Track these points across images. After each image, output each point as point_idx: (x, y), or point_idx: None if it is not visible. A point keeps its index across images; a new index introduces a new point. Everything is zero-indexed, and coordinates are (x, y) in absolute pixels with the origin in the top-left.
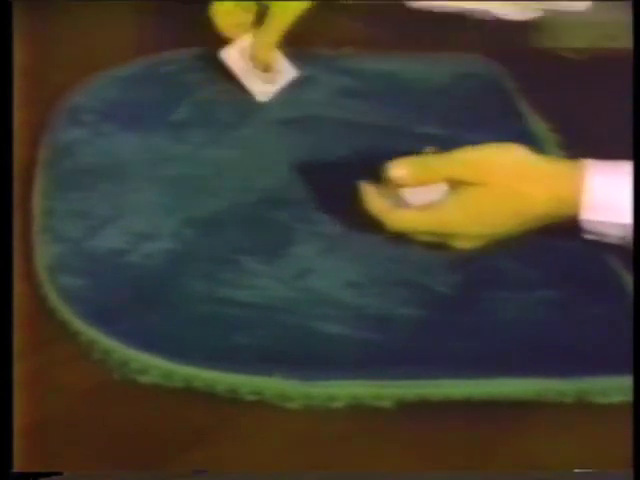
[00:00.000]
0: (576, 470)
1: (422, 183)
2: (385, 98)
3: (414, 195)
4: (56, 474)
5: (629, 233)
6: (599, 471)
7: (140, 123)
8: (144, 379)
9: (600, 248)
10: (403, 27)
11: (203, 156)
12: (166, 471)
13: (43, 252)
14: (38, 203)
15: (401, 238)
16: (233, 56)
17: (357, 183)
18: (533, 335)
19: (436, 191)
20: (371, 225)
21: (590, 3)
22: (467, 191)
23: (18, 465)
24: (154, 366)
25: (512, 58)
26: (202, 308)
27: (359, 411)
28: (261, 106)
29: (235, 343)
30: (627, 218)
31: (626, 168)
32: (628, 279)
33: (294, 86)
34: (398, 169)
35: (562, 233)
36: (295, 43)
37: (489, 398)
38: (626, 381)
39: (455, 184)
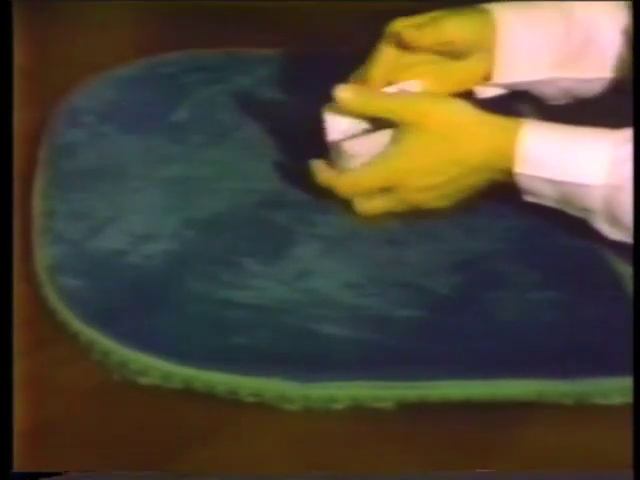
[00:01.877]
0: (576, 471)
1: (363, 111)
2: None
3: (356, 145)
4: (56, 474)
5: (563, 193)
6: (599, 472)
7: (140, 124)
8: (144, 380)
9: (600, 248)
10: None
11: (203, 157)
12: (166, 472)
13: (43, 253)
14: (38, 204)
15: (370, 218)
16: None
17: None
18: (533, 336)
19: (376, 141)
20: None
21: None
22: (407, 139)
23: (18, 465)
24: (154, 367)
25: None
26: (202, 309)
27: (359, 412)
28: (260, 107)
29: (235, 344)
30: (560, 176)
31: (564, 129)
32: (628, 280)
33: (294, 87)
34: (345, 91)
35: (562, 233)
36: (295, 44)
37: (489, 399)
38: (626, 382)
39: (395, 132)
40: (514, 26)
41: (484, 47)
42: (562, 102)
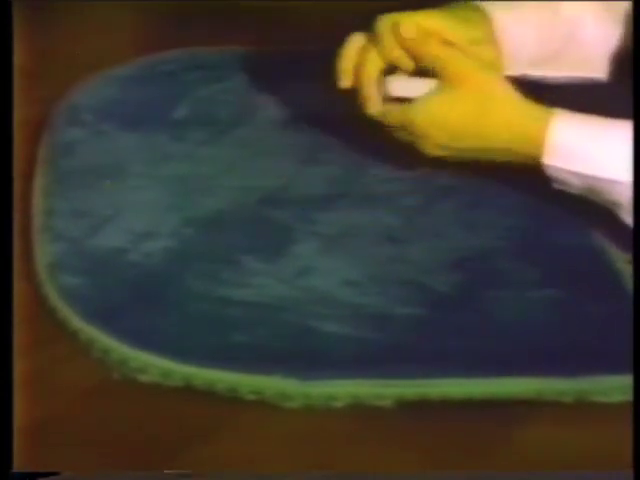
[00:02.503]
0: (576, 470)
1: (414, 50)
2: None
3: (397, 86)
4: (54, 474)
5: (591, 186)
6: (599, 471)
7: (139, 122)
8: (144, 378)
9: (600, 247)
10: None
11: (202, 155)
12: (166, 470)
13: (43, 251)
14: (38, 202)
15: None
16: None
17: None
18: (533, 334)
19: (416, 88)
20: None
21: None
22: (439, 97)
23: (18, 465)
24: (154, 365)
25: None
26: (202, 307)
27: (359, 410)
28: (260, 105)
29: (235, 342)
30: (588, 169)
31: (595, 121)
32: (628, 279)
33: (294, 85)
34: (407, 28)
35: (562, 232)
36: (295, 42)
37: (489, 397)
38: (626, 380)
39: (437, 83)
40: (507, 22)
41: (481, 42)
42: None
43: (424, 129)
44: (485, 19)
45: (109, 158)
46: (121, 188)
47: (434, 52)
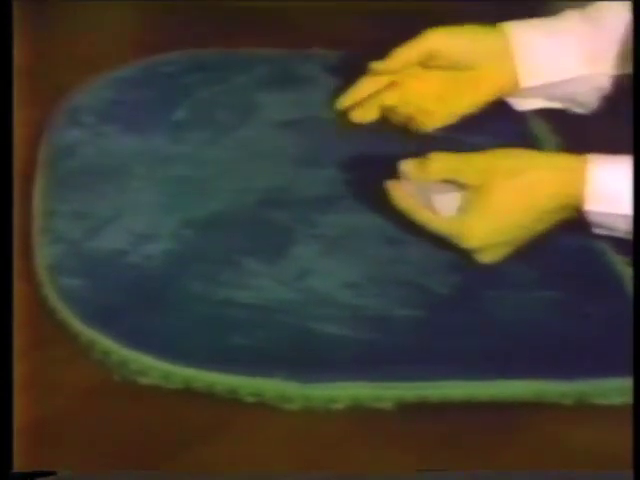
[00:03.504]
0: (576, 471)
1: (428, 179)
2: None
3: (442, 201)
4: (52, 474)
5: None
6: (599, 472)
7: (140, 124)
8: (144, 380)
9: (600, 248)
10: (403, 28)
11: (203, 157)
12: (166, 472)
13: (43, 252)
14: (38, 204)
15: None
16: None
17: (385, 183)
18: (533, 336)
19: (456, 199)
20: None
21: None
22: (477, 201)
23: (18, 465)
24: (154, 367)
25: None
26: (202, 309)
27: (359, 412)
28: (260, 107)
29: (235, 344)
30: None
31: (627, 162)
32: (628, 280)
33: (293, 87)
34: (407, 165)
35: (562, 233)
36: (296, 43)
37: (489, 399)
38: (626, 383)
39: (466, 193)
40: (527, 33)
41: (497, 56)
42: (595, 105)
43: (481, 240)
44: (495, 33)
45: (109, 160)
46: (121, 190)
47: (448, 170)
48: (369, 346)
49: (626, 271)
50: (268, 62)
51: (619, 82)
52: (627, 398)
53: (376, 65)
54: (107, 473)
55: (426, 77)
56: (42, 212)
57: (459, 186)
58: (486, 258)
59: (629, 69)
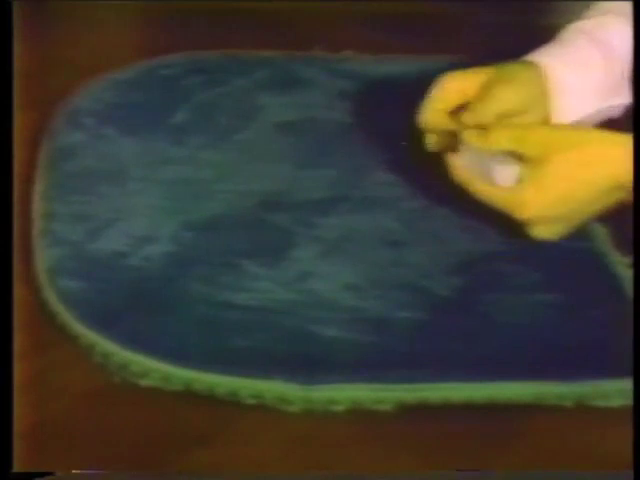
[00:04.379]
0: (576, 471)
1: (490, 147)
2: (385, 101)
3: (501, 172)
4: (50, 474)
5: None
6: (599, 472)
7: (140, 126)
8: (144, 382)
9: (600, 249)
10: (403, 29)
11: (202, 159)
12: (166, 474)
13: (43, 255)
14: (38, 206)
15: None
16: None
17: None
18: (533, 338)
19: (515, 171)
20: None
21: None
22: (535, 173)
23: (18, 466)
24: (154, 369)
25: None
26: (202, 311)
27: (359, 414)
28: (260, 109)
29: (235, 346)
30: None
31: None
32: (628, 281)
33: (294, 89)
34: (469, 135)
35: (562, 236)
36: (296, 46)
37: (489, 401)
38: (626, 384)
39: (524, 165)
40: (563, 75)
41: (540, 101)
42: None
43: (537, 211)
44: (539, 76)
45: (109, 162)
46: (121, 192)
47: (507, 140)
48: (369, 348)
49: (626, 273)
50: (268, 64)
51: (626, 109)
52: (627, 400)
53: (466, 118)
54: (107, 475)
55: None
56: (42, 214)
57: (518, 158)
58: (539, 233)
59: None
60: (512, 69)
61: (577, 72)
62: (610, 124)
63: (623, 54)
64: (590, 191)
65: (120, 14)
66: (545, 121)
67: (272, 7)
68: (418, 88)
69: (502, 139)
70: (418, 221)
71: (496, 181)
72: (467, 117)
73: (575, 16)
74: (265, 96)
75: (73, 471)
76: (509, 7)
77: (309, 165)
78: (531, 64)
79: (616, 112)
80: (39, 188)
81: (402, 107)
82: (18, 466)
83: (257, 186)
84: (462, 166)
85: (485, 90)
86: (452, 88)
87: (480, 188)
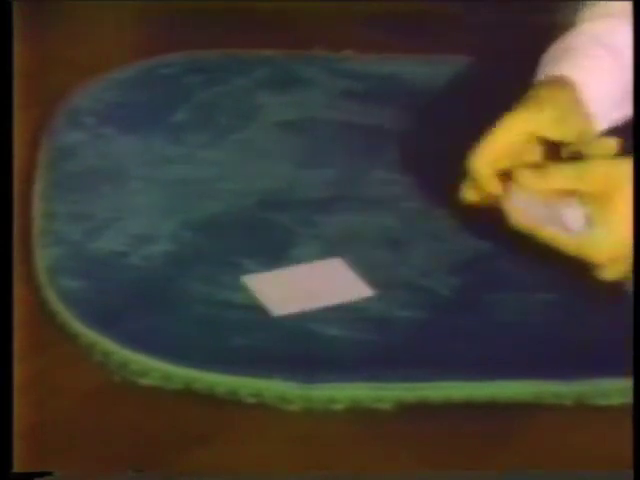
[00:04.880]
0: (576, 471)
1: (547, 189)
2: (385, 100)
3: (570, 216)
4: (49, 474)
5: None
6: (599, 472)
7: (140, 125)
8: (144, 381)
9: None
10: (403, 29)
11: (202, 158)
12: (166, 473)
13: (43, 254)
14: (38, 205)
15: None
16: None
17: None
18: (533, 337)
19: (579, 220)
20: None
21: None
22: (607, 209)
23: (18, 466)
24: (154, 368)
25: (510, 59)
26: (202, 310)
27: (359, 413)
28: (260, 109)
29: (235, 345)
30: None
31: None
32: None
33: (294, 88)
34: (524, 176)
35: None
36: (296, 45)
37: (489, 400)
38: (626, 383)
39: (591, 205)
40: (590, 85)
41: (573, 115)
42: None
43: (608, 254)
44: (569, 89)
45: (109, 161)
46: (121, 191)
47: (565, 178)
48: (369, 347)
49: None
50: (268, 64)
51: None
52: (626, 399)
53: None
54: (107, 474)
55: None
56: (42, 214)
57: (579, 196)
58: (612, 274)
59: None
60: (549, 100)
61: (602, 83)
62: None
63: (631, 62)
64: None
65: (120, 14)
66: (580, 134)
67: (272, 7)
68: (418, 87)
69: (560, 178)
70: (418, 220)
71: (565, 225)
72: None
73: (575, 15)
74: (265, 95)
75: (73, 471)
76: (509, 7)
77: (309, 164)
78: (563, 83)
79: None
80: (39, 187)
81: (402, 106)
82: (18, 466)
83: (257, 185)
84: (521, 210)
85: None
86: (516, 130)
87: (548, 234)
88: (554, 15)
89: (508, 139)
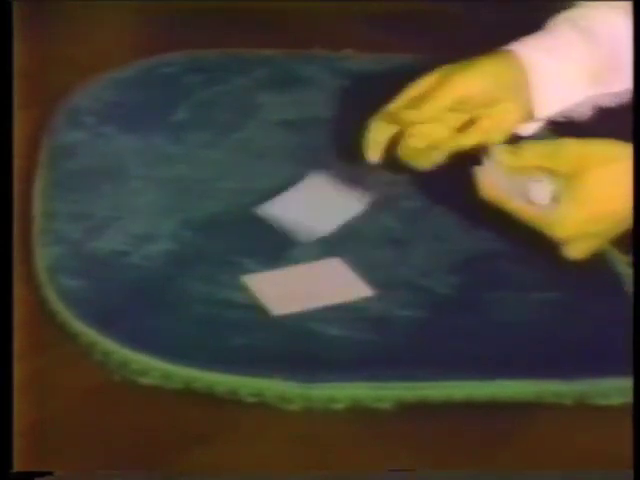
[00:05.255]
0: (576, 471)
1: (521, 167)
2: (385, 100)
3: (537, 190)
4: (49, 474)
5: None
6: (599, 472)
7: (139, 125)
8: (144, 380)
9: (599, 250)
10: (402, 28)
11: (202, 157)
12: (166, 472)
13: (43, 254)
14: (38, 204)
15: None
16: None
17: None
18: (533, 337)
19: (549, 188)
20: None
21: None
22: (576, 187)
23: (18, 465)
24: (154, 367)
25: None
26: (202, 309)
27: (359, 413)
28: (260, 108)
29: (235, 345)
30: None
31: None
32: (628, 280)
33: (294, 87)
34: (500, 153)
35: None
36: (296, 44)
37: (489, 399)
38: (626, 382)
39: (558, 182)
40: (541, 62)
41: (518, 91)
42: (588, 115)
43: (574, 229)
44: (514, 65)
45: (109, 160)
46: (121, 191)
47: (540, 159)
48: (369, 347)
49: (626, 271)
50: (268, 63)
51: (619, 98)
52: (626, 398)
53: (409, 116)
54: (107, 473)
55: (446, 118)
56: (42, 213)
57: (549, 174)
58: (575, 251)
59: (628, 84)
60: (480, 60)
61: (556, 58)
62: (605, 115)
63: (608, 40)
64: (625, 207)
65: (120, 13)
66: (527, 110)
67: (272, 6)
68: None
69: (533, 155)
70: (418, 220)
71: (531, 199)
72: (423, 108)
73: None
74: (265, 94)
75: (73, 471)
76: (509, 7)
77: (309, 163)
78: (505, 53)
79: (609, 101)
80: (39, 187)
81: None
82: (18, 465)
83: (257, 184)
84: (493, 183)
85: (443, 80)
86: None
87: (515, 206)
88: (554, 15)
89: (426, 84)
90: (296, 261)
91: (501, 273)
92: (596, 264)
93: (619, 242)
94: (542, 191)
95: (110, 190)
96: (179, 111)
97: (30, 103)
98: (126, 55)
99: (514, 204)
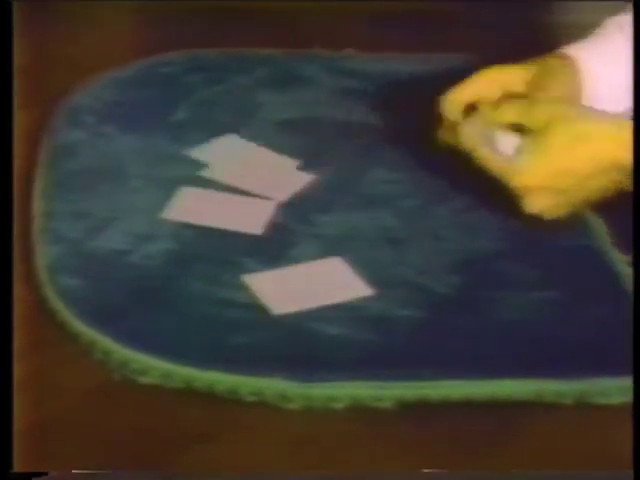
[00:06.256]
0: (576, 471)
1: (497, 121)
2: (385, 99)
3: (503, 140)
4: (47, 474)
5: None
6: (599, 472)
7: (139, 124)
8: (144, 380)
9: (600, 248)
10: (403, 28)
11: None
12: (166, 472)
13: (43, 253)
14: (38, 204)
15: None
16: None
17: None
18: (532, 336)
19: (516, 140)
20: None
21: None
22: (540, 142)
23: (18, 465)
24: (154, 367)
25: (511, 58)
26: (202, 309)
27: (359, 412)
28: (260, 107)
29: (235, 344)
30: None
31: None
32: (628, 280)
33: (294, 87)
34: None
35: (562, 233)
36: (296, 44)
37: (489, 399)
38: (626, 382)
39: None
40: (597, 68)
41: (575, 93)
42: None
43: (527, 184)
44: (571, 70)
45: (109, 160)
46: (121, 190)
47: (513, 115)
48: (369, 346)
49: (625, 270)
50: (268, 62)
51: None
52: (626, 398)
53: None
54: (107, 473)
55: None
56: (42, 212)
57: (523, 131)
58: (534, 205)
59: None
60: (550, 63)
61: (611, 66)
62: None
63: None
64: (588, 166)
65: (120, 13)
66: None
67: (272, 6)
68: (418, 86)
69: (509, 111)
70: (418, 219)
71: (498, 149)
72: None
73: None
74: (265, 94)
75: (73, 471)
76: (509, 6)
77: (309, 163)
78: (567, 58)
79: None
80: (39, 186)
81: (402, 105)
82: (18, 465)
83: None
84: (471, 133)
85: (531, 84)
86: (490, 80)
87: (482, 154)
88: (555, 14)
89: (480, 84)
90: (296, 261)
91: (501, 273)
92: (596, 263)
93: (618, 241)
94: (507, 141)
95: (110, 189)
96: (179, 110)
97: (30, 103)
98: (126, 55)
99: (482, 152)
